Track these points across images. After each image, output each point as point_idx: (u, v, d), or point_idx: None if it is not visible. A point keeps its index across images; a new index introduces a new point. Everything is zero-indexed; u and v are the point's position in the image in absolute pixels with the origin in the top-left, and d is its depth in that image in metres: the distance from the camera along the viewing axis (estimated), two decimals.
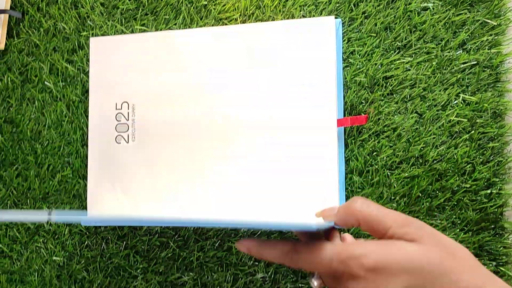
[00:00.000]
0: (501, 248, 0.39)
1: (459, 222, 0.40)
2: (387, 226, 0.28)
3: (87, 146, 0.48)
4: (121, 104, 0.47)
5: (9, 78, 0.51)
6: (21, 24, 0.51)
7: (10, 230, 0.50)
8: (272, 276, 0.42)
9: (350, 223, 0.30)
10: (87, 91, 0.49)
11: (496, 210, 0.39)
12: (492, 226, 0.39)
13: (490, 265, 0.39)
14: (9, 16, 0.51)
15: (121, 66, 0.46)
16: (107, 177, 0.47)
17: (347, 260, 0.27)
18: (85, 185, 0.48)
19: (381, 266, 0.26)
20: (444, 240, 0.28)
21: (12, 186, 0.50)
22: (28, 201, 0.50)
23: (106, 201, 0.47)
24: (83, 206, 0.48)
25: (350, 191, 0.42)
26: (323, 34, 0.41)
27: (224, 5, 0.46)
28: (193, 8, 0.47)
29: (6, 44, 0.51)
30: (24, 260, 0.49)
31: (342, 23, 0.43)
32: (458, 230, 0.40)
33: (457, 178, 0.40)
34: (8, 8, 0.51)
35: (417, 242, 0.27)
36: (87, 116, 0.49)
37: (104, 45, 0.47)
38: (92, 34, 0.49)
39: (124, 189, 0.46)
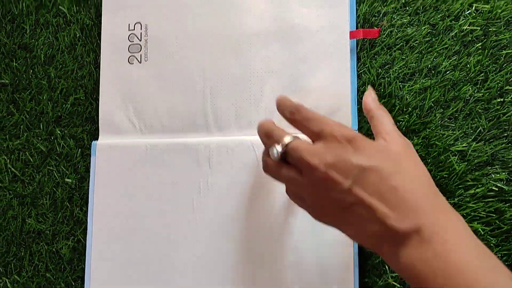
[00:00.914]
0: None
1: (471, 131, 0.42)
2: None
3: (100, 68, 0.51)
4: (134, 25, 0.50)
5: (24, 4, 0.54)
6: None
7: (22, 154, 0.52)
8: None
9: None
10: (100, 15, 0.52)
11: (508, 118, 0.41)
12: (505, 135, 0.41)
13: (503, 173, 0.41)
14: None
15: None
16: (119, 97, 0.49)
17: (324, 125, 0.34)
18: (98, 107, 0.50)
19: (351, 138, 0.32)
20: (403, 141, 0.35)
21: (25, 111, 0.53)
22: (41, 124, 0.52)
23: (118, 122, 0.49)
24: (95, 128, 0.51)
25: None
26: None
27: None
28: None
29: None
30: (36, 183, 0.52)
31: None
32: (470, 139, 0.42)
33: (470, 88, 0.42)
34: None
35: (383, 139, 0.34)
36: (100, 39, 0.51)
37: None
38: None
39: (136, 109, 0.48)
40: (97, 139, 0.50)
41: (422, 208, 0.30)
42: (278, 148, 0.34)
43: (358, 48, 0.45)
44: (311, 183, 0.32)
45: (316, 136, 0.33)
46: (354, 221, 0.32)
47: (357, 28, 0.45)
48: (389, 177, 0.31)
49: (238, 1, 0.47)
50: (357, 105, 0.44)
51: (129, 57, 0.50)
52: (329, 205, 0.32)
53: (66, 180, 0.51)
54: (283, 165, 0.34)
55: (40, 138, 0.53)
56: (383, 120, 0.36)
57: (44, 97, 0.53)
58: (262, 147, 0.37)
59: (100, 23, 0.52)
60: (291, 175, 0.34)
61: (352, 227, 0.32)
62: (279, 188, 0.43)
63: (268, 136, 0.35)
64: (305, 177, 0.33)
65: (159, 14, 0.49)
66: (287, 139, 0.34)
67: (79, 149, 0.52)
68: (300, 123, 0.35)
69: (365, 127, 0.44)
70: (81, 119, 0.52)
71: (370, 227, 0.31)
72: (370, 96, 0.38)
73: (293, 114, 0.35)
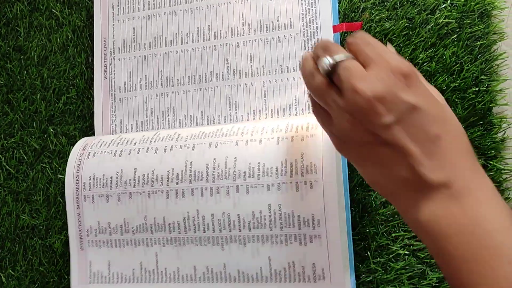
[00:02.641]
0: (489, 143, 0.44)
1: None
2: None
3: (91, 68, 0.54)
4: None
5: (18, 8, 0.58)
6: None
7: (17, 152, 0.55)
8: None
9: None
10: (91, 16, 0.55)
11: (484, 106, 0.44)
12: (481, 122, 0.44)
13: (480, 159, 0.43)
14: None
15: None
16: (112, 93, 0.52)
17: (383, 53, 0.31)
18: (89, 106, 0.53)
19: (412, 74, 0.30)
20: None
21: (19, 110, 0.56)
22: (34, 123, 0.56)
23: (111, 120, 0.52)
24: (87, 126, 0.54)
25: None
26: None
27: None
28: None
29: None
30: (30, 180, 0.55)
31: None
32: None
33: (446, 78, 0.45)
34: None
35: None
36: (91, 40, 0.54)
37: None
38: None
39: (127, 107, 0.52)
40: (88, 136, 0.54)
41: (459, 164, 0.29)
42: (330, 60, 0.31)
43: (340, 42, 0.48)
44: (350, 108, 0.30)
45: (371, 62, 0.30)
46: (380, 161, 0.30)
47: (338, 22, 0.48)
48: (434, 123, 0.29)
49: (221, 7, 0.51)
50: None
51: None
52: (360, 138, 0.30)
53: (59, 176, 0.54)
54: (330, 84, 0.32)
55: (33, 137, 0.56)
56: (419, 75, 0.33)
57: (38, 97, 0.57)
58: None
59: (91, 24, 0.56)
60: (335, 97, 0.31)
61: (376, 167, 0.31)
62: None
63: (325, 48, 0.32)
64: (345, 101, 0.30)
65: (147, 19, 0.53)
66: (342, 56, 0.31)
67: (71, 146, 0.55)
68: (357, 47, 0.31)
69: None
70: (73, 117, 0.55)
71: (397, 170, 0.29)
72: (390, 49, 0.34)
73: (355, 38, 0.32)
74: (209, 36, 0.51)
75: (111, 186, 0.47)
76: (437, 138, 0.29)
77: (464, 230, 0.27)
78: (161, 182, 0.46)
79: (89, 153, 0.49)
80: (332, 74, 0.31)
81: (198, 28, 0.51)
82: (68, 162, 0.50)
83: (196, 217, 0.44)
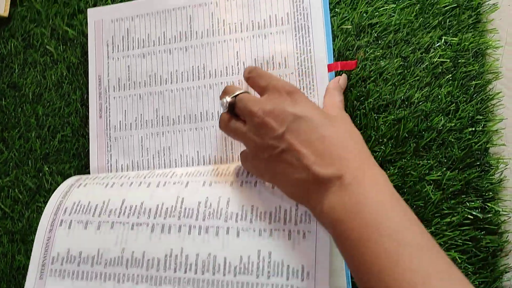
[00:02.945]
0: (487, 185, 0.43)
1: (445, 160, 0.44)
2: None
3: (86, 106, 0.54)
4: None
5: (12, 44, 0.58)
6: None
7: (12, 191, 0.55)
8: None
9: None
10: (86, 53, 0.55)
11: (481, 146, 0.44)
12: (478, 163, 0.44)
13: (478, 201, 0.43)
14: None
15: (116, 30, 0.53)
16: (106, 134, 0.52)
17: (273, 80, 0.40)
18: (84, 144, 0.53)
19: (294, 91, 0.38)
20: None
21: (14, 148, 0.56)
22: (30, 162, 0.56)
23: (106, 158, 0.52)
24: (82, 165, 0.54)
25: None
26: None
27: None
28: None
29: (10, 12, 0.58)
30: (25, 220, 0.55)
31: None
32: (444, 168, 0.44)
33: (442, 118, 0.45)
34: None
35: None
36: (86, 77, 0.55)
37: (101, 14, 0.53)
38: None
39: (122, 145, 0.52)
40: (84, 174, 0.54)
41: (347, 158, 0.34)
42: (228, 98, 0.40)
43: None
44: (252, 129, 0.37)
45: (263, 90, 0.39)
46: (284, 169, 0.36)
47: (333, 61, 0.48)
48: (319, 127, 0.35)
49: (216, 45, 0.51)
50: None
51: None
52: (265, 152, 0.36)
53: None
54: (232, 117, 0.40)
55: (28, 175, 0.56)
56: (334, 94, 0.43)
57: (33, 135, 0.56)
58: None
59: (86, 61, 0.56)
60: (237, 125, 0.39)
61: (283, 177, 0.36)
62: None
63: (224, 92, 0.42)
64: (247, 125, 0.38)
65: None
66: (237, 92, 0.40)
67: None
68: (252, 80, 0.41)
69: None
70: (69, 156, 0.55)
71: (298, 174, 0.35)
72: (335, 79, 0.45)
73: (249, 73, 0.41)
74: (204, 74, 0.51)
75: (93, 214, 0.46)
76: (323, 138, 0.34)
77: (353, 214, 0.31)
78: (148, 215, 0.44)
79: (81, 184, 0.49)
80: (234, 108, 0.40)
81: (193, 66, 0.51)
82: (57, 188, 0.49)
83: (179, 255, 0.42)
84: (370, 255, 0.30)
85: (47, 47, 0.57)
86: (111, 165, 0.52)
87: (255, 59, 0.49)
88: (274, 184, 0.39)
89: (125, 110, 0.53)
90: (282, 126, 0.35)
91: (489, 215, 0.43)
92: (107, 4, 0.56)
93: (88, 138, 0.54)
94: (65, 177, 0.55)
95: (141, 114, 0.52)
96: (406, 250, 0.30)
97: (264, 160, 0.37)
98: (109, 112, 0.53)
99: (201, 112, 0.51)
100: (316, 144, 0.34)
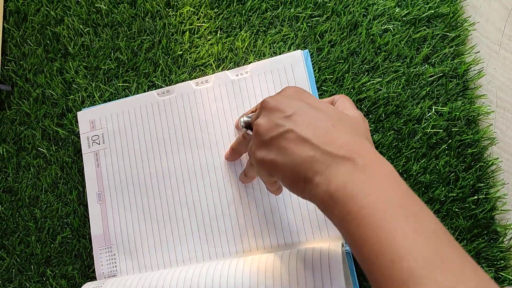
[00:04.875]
0: (497, 253, 0.43)
1: (452, 231, 0.45)
2: None
3: (84, 205, 0.55)
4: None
5: (4, 149, 0.59)
6: (11, 96, 0.60)
7: None
8: None
9: None
10: (79, 151, 0.56)
11: (486, 215, 0.44)
12: (485, 232, 0.44)
13: (490, 271, 0.43)
14: (0, 89, 0.59)
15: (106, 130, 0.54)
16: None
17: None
18: (85, 245, 0.54)
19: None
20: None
21: (15, 254, 0.57)
22: (32, 266, 0.56)
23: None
24: (85, 265, 0.54)
25: None
26: (293, 67, 0.48)
27: (198, 53, 0.54)
28: (170, 59, 0.55)
29: None
30: None
31: (311, 54, 0.50)
32: None
33: (443, 188, 0.45)
34: None
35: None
36: (81, 175, 0.55)
37: (90, 114, 0.55)
38: (78, 96, 0.57)
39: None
40: (88, 276, 0.54)
41: (357, 145, 0.35)
42: (245, 118, 0.44)
43: None
44: (264, 113, 0.39)
45: (261, 111, 0.40)
46: (291, 147, 0.36)
47: None
48: (328, 117, 0.36)
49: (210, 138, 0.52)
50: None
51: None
52: (274, 132, 0.37)
53: None
54: (245, 132, 0.44)
55: (32, 281, 0.56)
56: (343, 100, 0.43)
57: (32, 239, 0.57)
58: None
59: (80, 159, 0.57)
60: (247, 141, 0.44)
61: (286, 155, 0.36)
62: None
63: (244, 114, 0.47)
64: (259, 113, 0.40)
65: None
66: (251, 115, 0.44)
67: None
68: (259, 106, 0.41)
69: None
70: (70, 257, 0.56)
71: (304, 152, 0.35)
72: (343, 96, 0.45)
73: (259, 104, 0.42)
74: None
75: None
76: (332, 126, 0.36)
77: (366, 190, 0.32)
78: None
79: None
80: (249, 127, 0.44)
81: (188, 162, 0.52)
82: None
83: None
84: (389, 225, 0.30)
85: (39, 148, 0.58)
86: (117, 270, 0.53)
87: None
88: (276, 162, 0.37)
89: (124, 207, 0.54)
90: (291, 109, 0.37)
91: (504, 284, 0.43)
92: (95, 104, 0.57)
93: (89, 238, 0.55)
94: (68, 279, 0.55)
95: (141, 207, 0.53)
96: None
97: (271, 139, 0.38)
98: (107, 214, 0.54)
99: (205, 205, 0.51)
100: (324, 129, 0.36)
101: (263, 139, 0.38)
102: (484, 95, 0.46)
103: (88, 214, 0.55)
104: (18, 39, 0.61)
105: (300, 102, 0.37)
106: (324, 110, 0.37)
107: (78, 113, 0.56)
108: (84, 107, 0.57)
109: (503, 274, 0.44)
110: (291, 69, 0.49)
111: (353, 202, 0.32)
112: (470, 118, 0.46)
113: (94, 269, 0.54)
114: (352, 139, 0.35)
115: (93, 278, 0.54)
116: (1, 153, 0.60)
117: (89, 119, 0.56)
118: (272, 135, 0.37)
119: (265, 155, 0.38)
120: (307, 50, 0.50)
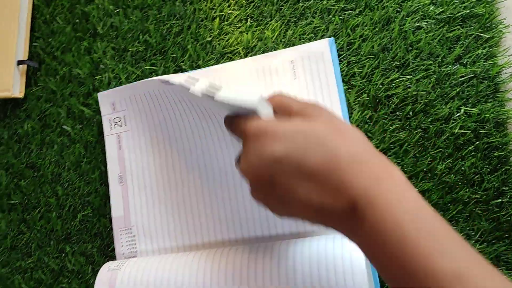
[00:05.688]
0: None
1: (473, 233, 0.45)
2: (292, 108, 0.36)
3: (105, 184, 0.56)
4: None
5: (29, 125, 0.60)
6: (38, 73, 0.61)
7: (35, 272, 0.57)
8: None
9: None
10: (102, 132, 0.57)
11: (509, 219, 0.44)
12: (507, 235, 0.44)
13: (509, 274, 0.44)
14: (27, 66, 0.60)
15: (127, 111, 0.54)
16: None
17: (242, 125, 0.36)
18: (105, 224, 0.55)
19: (262, 130, 0.34)
20: (336, 120, 0.34)
21: (35, 229, 0.58)
22: (52, 242, 0.57)
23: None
24: (105, 244, 0.55)
25: None
26: (320, 55, 0.48)
27: (227, 40, 0.54)
28: (199, 45, 0.55)
29: (25, 93, 0.60)
30: None
31: (341, 48, 0.50)
32: (473, 241, 0.45)
33: (467, 190, 0.45)
34: (26, 58, 0.60)
35: (309, 118, 0.34)
36: (104, 156, 0.56)
37: (112, 95, 0.55)
38: (105, 77, 0.57)
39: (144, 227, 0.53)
40: (107, 255, 0.55)
41: (350, 178, 0.30)
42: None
43: None
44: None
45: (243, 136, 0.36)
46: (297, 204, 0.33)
47: None
48: (303, 159, 0.31)
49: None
50: None
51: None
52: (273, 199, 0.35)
53: None
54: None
55: (51, 256, 0.58)
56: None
57: (53, 215, 0.58)
58: None
59: (103, 139, 0.58)
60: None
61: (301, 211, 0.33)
62: None
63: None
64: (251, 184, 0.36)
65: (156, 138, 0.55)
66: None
67: (90, 266, 0.56)
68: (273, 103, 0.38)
69: None
70: (90, 235, 0.57)
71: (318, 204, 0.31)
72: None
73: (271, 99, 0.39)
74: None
75: None
76: (313, 170, 0.31)
77: (380, 244, 0.28)
78: None
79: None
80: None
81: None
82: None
83: None
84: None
85: (64, 126, 0.59)
86: (136, 250, 0.54)
87: None
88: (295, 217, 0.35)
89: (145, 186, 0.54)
90: (268, 174, 0.34)
91: None
92: (121, 84, 0.58)
93: (110, 217, 0.56)
94: (87, 257, 0.56)
95: (162, 191, 0.54)
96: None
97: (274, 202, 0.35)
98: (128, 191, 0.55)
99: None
100: (311, 178, 0.32)
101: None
102: None
103: (109, 194, 0.56)
104: (47, 16, 0.62)
105: (268, 157, 0.33)
106: (290, 151, 0.33)
107: (99, 94, 0.57)
108: (110, 88, 0.58)
109: None
110: (316, 57, 0.49)
111: (380, 256, 0.29)
112: (499, 120, 0.46)
113: (113, 248, 0.55)
114: (339, 167, 0.31)
115: (111, 257, 0.55)
116: (26, 129, 0.61)
117: (111, 101, 0.56)
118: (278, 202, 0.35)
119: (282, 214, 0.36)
120: (332, 38, 0.50)
